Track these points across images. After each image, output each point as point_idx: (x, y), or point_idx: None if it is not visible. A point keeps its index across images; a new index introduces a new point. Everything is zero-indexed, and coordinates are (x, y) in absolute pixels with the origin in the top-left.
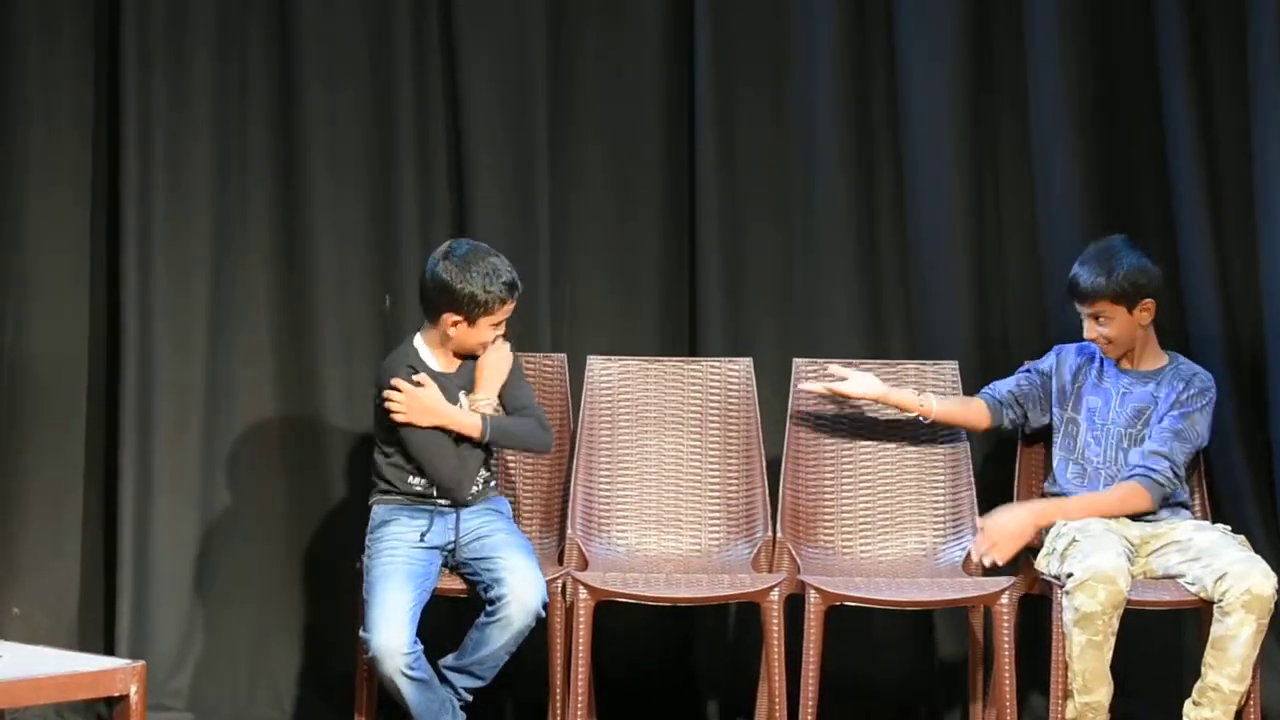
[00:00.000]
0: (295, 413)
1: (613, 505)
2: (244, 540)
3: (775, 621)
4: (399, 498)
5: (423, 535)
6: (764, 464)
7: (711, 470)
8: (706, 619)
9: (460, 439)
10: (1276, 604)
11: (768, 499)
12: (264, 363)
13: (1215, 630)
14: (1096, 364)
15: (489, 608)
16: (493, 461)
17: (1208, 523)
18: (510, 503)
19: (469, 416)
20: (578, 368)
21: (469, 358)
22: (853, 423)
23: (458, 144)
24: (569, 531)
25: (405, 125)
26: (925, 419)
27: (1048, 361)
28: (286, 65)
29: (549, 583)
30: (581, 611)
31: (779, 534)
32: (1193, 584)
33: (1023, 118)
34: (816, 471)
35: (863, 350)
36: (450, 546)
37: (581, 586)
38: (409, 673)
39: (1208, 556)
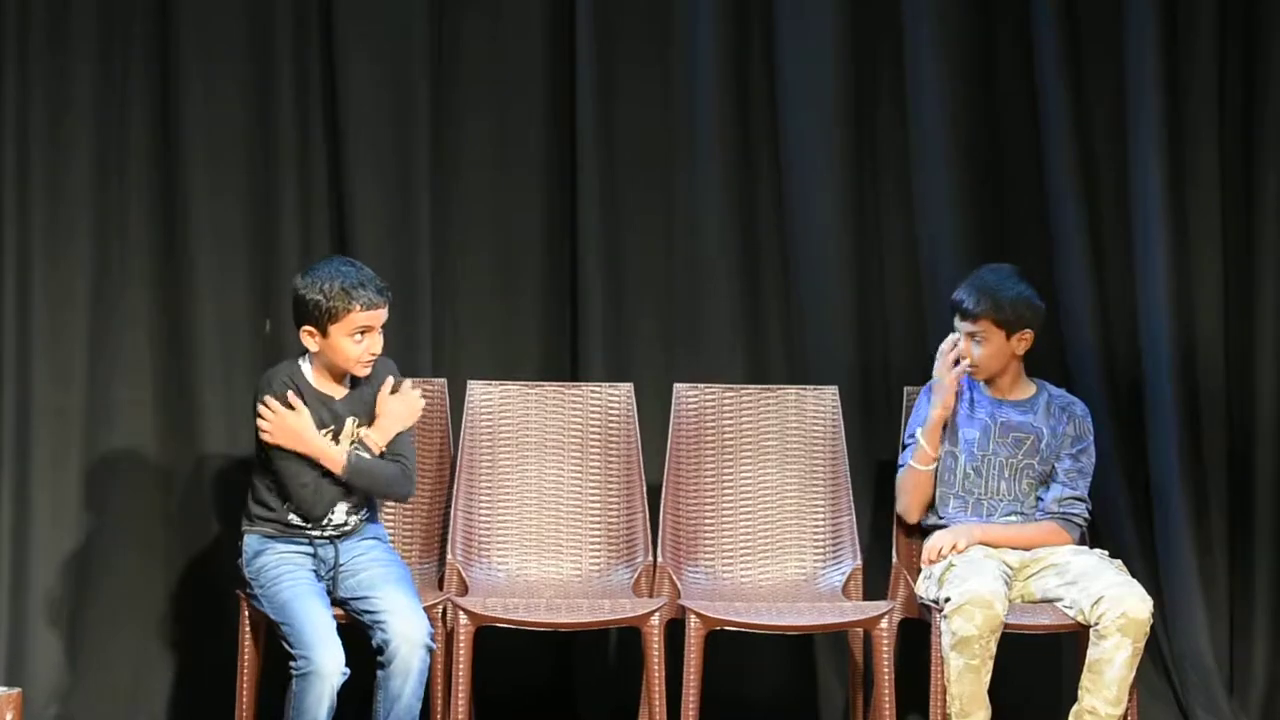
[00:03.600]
0: (176, 437)
1: (493, 530)
2: (124, 566)
3: (656, 646)
4: (273, 527)
5: (310, 568)
6: (645, 489)
7: (592, 495)
8: (587, 644)
9: (323, 470)
10: (1153, 628)
11: (648, 524)
12: (143, 386)
13: (1091, 654)
14: (966, 395)
15: (380, 658)
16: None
17: (1086, 547)
18: (389, 531)
19: (334, 450)
20: (458, 392)
21: (360, 384)
22: (734, 448)
23: (339, 169)
24: (449, 557)
25: (286, 146)
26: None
27: (924, 410)
28: (164, 82)
29: (429, 609)
30: (462, 637)
31: (660, 559)
32: (1070, 608)
33: (903, 140)
34: (697, 496)
35: (744, 375)
36: (330, 576)
37: (462, 612)
38: (335, 695)
39: (1085, 580)
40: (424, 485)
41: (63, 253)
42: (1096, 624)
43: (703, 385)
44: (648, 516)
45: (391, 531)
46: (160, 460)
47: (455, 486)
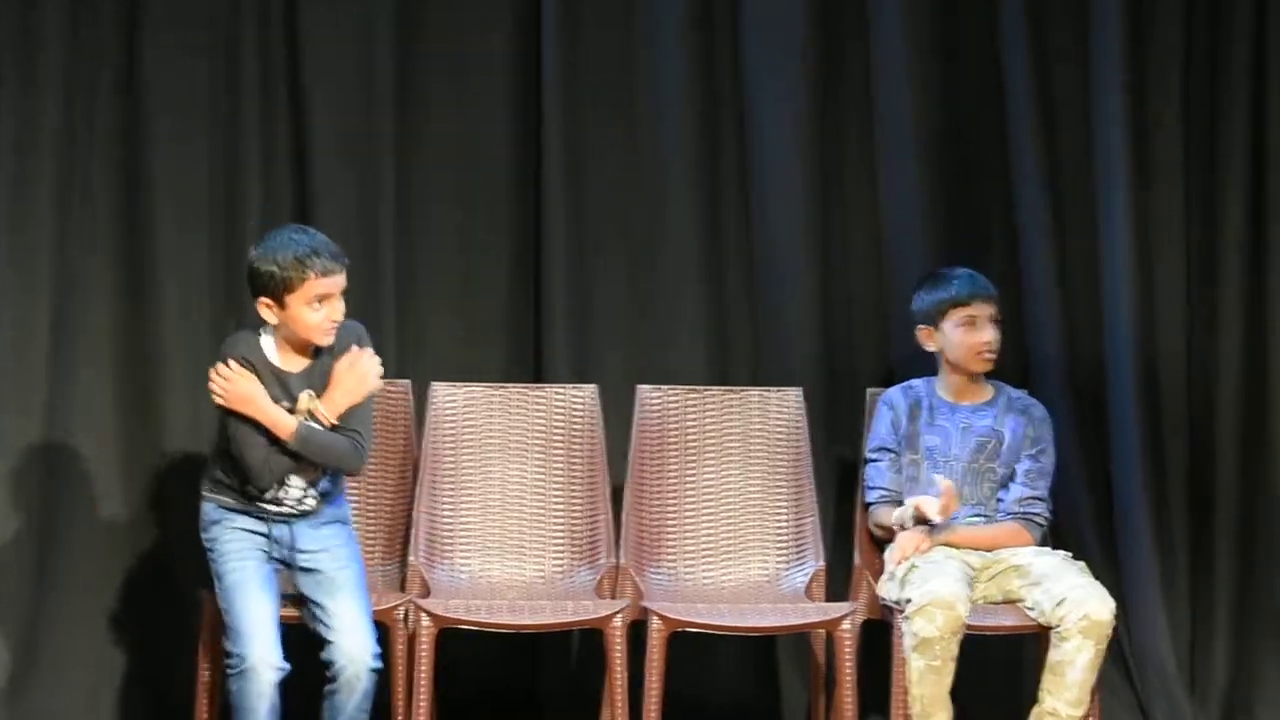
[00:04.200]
0: (139, 436)
1: (456, 532)
2: (84, 567)
3: (618, 648)
4: (231, 497)
5: (262, 549)
6: (608, 490)
7: (555, 497)
8: (550, 645)
9: (274, 440)
10: (1115, 629)
11: (612, 525)
12: (105, 391)
13: (1053, 655)
14: (925, 402)
15: (327, 673)
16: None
17: (1048, 548)
18: (354, 529)
19: (286, 418)
20: (421, 393)
21: (322, 355)
22: (697, 450)
23: (302, 169)
24: (411, 558)
25: (250, 153)
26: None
27: (884, 422)
28: (131, 107)
29: (390, 611)
30: (424, 639)
31: (622, 560)
32: (1032, 609)
33: (869, 141)
34: (660, 498)
35: (707, 377)
36: (284, 559)
37: (424, 614)
38: (276, 691)
39: (1048, 582)
40: (387, 486)
41: (20, 264)
42: (1058, 625)
43: (666, 387)
44: (611, 518)
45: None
46: (122, 457)
47: (418, 488)
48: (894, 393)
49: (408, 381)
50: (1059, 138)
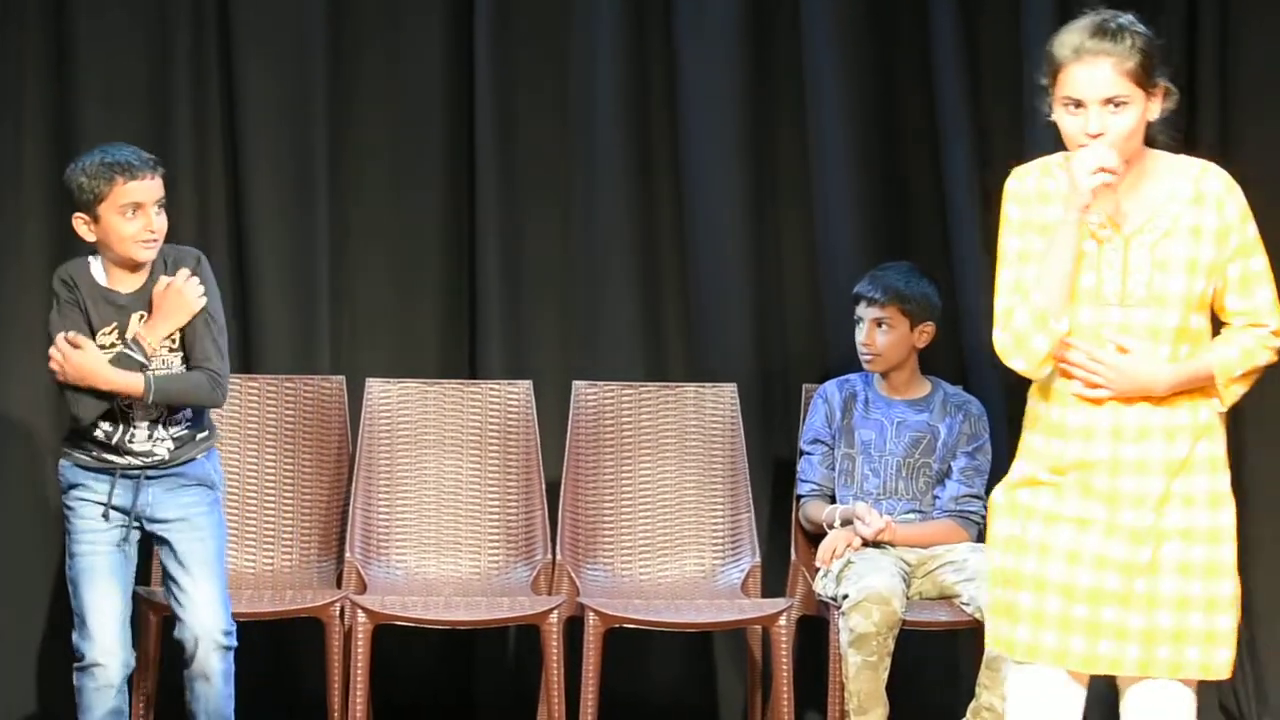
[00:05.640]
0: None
1: (392, 528)
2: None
3: (554, 644)
4: (84, 454)
5: (105, 514)
6: (544, 486)
7: (491, 493)
8: (486, 642)
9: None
10: None
11: (547, 521)
12: (40, 396)
13: (990, 651)
14: (861, 396)
15: (184, 657)
16: (206, 416)
17: (983, 544)
18: (286, 529)
19: (132, 379)
20: (357, 390)
21: (156, 276)
22: (633, 446)
23: (235, 164)
24: (347, 555)
25: (183, 150)
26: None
27: (818, 415)
28: (68, 75)
29: (326, 606)
30: (360, 635)
31: (558, 556)
32: (968, 604)
33: (802, 140)
34: (596, 494)
35: (643, 373)
36: (136, 518)
37: (360, 610)
38: (121, 690)
39: (982, 577)
40: (322, 482)
41: None
42: None
43: (601, 383)
44: (547, 514)
45: (289, 530)
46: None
47: (354, 484)
48: (829, 386)
49: (343, 378)
50: (991, 135)
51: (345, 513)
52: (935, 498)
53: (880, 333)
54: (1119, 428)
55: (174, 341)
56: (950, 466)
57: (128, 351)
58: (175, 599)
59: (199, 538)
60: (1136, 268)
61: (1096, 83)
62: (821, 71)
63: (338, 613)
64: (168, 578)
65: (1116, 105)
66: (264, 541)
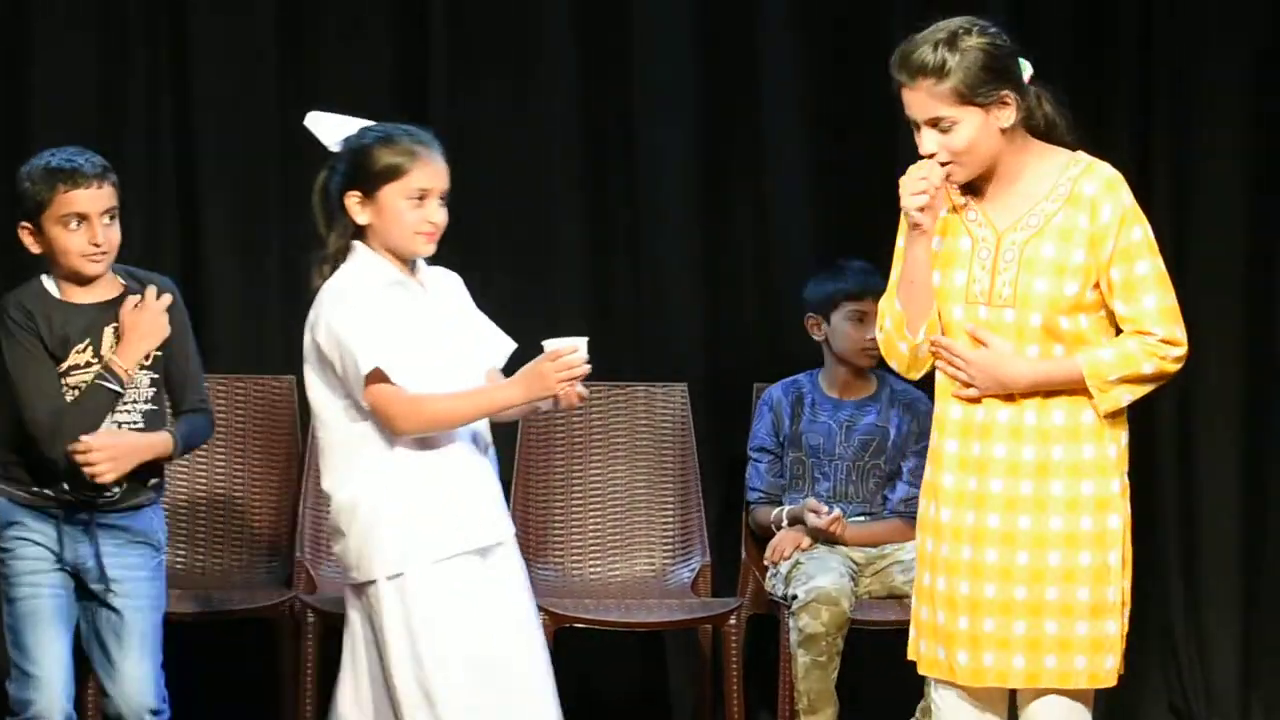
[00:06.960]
0: None
1: None
2: None
3: None
4: (19, 488)
5: (57, 556)
6: None
7: None
8: None
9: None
10: None
11: None
12: None
13: None
14: (809, 398)
15: None
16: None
17: None
18: (236, 529)
19: (161, 440)
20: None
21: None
22: (583, 445)
23: (191, 162)
24: (298, 554)
25: (136, 143)
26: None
27: (764, 423)
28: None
29: (276, 606)
30: (309, 635)
31: None
32: None
33: (755, 139)
34: (546, 493)
35: (593, 372)
36: (82, 568)
37: (309, 610)
38: None
39: None
40: (272, 482)
41: None
42: None
43: None
44: None
45: (239, 529)
46: None
47: (304, 484)
48: (775, 391)
49: (293, 378)
50: None
51: (295, 513)
52: (885, 498)
53: (940, 135)
54: (989, 425)
55: (148, 359)
56: (900, 467)
57: (103, 383)
58: (104, 671)
59: (138, 607)
60: (1005, 266)
61: (913, 107)
62: (776, 70)
63: (287, 611)
64: (98, 643)
65: (942, 127)
66: (213, 541)
